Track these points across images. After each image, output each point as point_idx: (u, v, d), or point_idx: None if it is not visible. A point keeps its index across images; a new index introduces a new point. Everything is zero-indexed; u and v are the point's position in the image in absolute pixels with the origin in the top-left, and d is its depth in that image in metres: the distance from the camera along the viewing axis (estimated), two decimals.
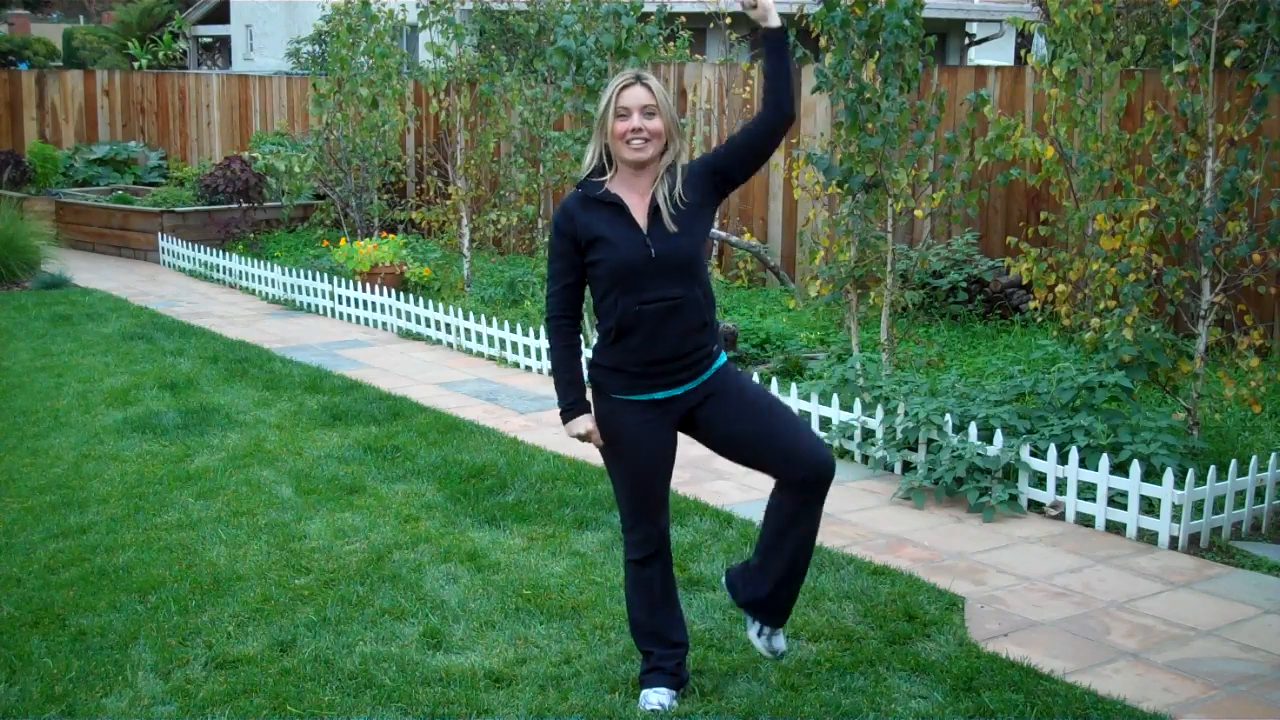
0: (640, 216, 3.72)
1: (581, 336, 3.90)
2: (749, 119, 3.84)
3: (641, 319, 3.68)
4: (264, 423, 6.99)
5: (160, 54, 24.97)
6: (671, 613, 3.95)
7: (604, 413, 3.81)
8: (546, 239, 3.90)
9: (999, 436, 5.89)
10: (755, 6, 3.76)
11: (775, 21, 3.77)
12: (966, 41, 26.22)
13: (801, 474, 3.74)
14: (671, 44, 13.47)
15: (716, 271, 10.75)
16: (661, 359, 3.71)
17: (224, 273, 12.01)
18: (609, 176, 3.76)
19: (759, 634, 4.01)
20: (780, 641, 4.04)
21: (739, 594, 4.02)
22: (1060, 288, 6.66)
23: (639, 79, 3.70)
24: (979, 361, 7.87)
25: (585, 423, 3.84)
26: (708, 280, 3.82)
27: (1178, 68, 5.91)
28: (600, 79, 8.26)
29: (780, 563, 3.87)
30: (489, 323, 8.99)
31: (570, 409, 3.85)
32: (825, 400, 6.72)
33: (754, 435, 3.78)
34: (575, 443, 6.45)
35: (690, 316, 3.72)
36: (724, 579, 4.13)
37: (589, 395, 3.86)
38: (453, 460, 6.31)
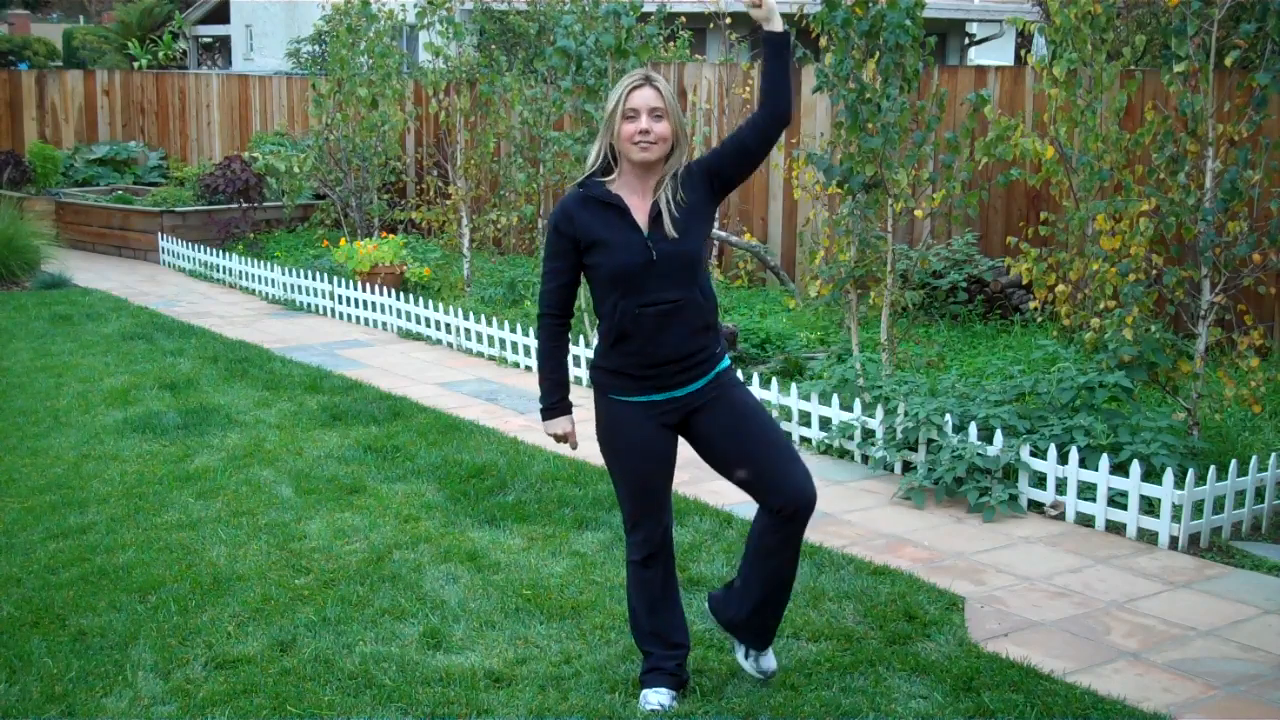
0: (641, 218, 3.70)
1: (569, 336, 3.91)
2: (746, 120, 3.83)
3: (642, 321, 3.67)
4: (264, 423, 6.99)
5: (160, 54, 24.97)
6: (673, 614, 3.94)
7: (605, 413, 3.81)
8: (543, 253, 3.90)
9: (999, 436, 5.89)
10: (760, 6, 3.72)
11: (778, 25, 3.74)
12: (966, 41, 26.22)
13: (779, 503, 3.72)
14: (671, 44, 13.47)
15: (716, 271, 10.75)
16: (663, 361, 3.71)
17: (224, 273, 12.01)
18: (613, 177, 3.75)
19: (745, 655, 4.00)
20: (769, 661, 4.01)
21: (720, 615, 4.00)
22: (1060, 288, 6.66)
23: (648, 80, 3.68)
24: (979, 361, 7.87)
25: (564, 424, 3.89)
26: (708, 282, 3.80)
27: (1178, 68, 5.91)
28: (600, 79, 8.25)
29: (761, 586, 3.85)
30: (489, 323, 8.99)
31: (552, 409, 3.89)
32: (825, 400, 6.72)
33: (742, 454, 3.76)
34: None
35: (692, 318, 3.71)
36: (707, 603, 4.11)
37: (592, 395, 3.87)
38: (453, 460, 6.31)
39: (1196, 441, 5.94)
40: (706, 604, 4.12)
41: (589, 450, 6.44)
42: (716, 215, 3.93)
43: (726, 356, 3.86)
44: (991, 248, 9.31)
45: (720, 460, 3.84)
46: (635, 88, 3.67)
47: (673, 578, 3.95)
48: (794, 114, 4.03)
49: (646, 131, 3.64)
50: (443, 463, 6.27)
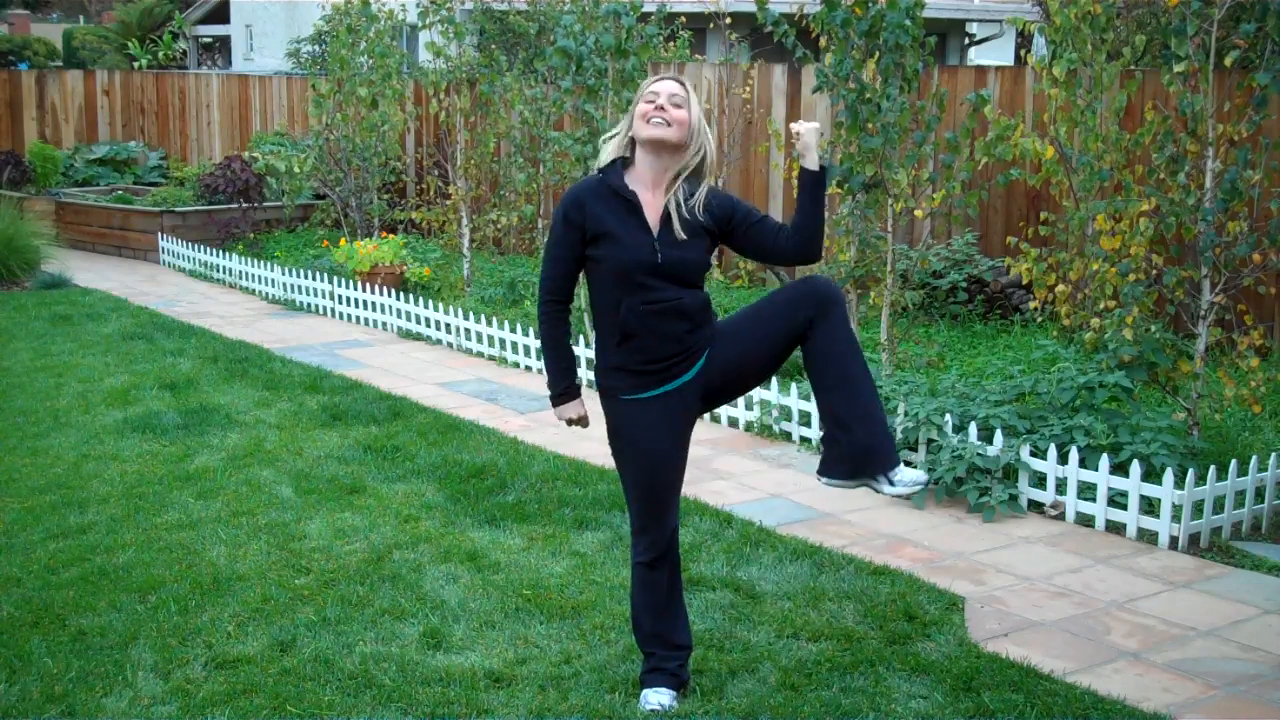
0: (652, 218, 3.73)
1: (570, 322, 3.92)
2: (786, 221, 3.85)
3: (645, 320, 3.69)
4: (264, 423, 6.99)
5: (160, 54, 24.98)
6: (677, 615, 3.94)
7: (615, 417, 3.81)
8: (547, 238, 3.91)
9: (999, 436, 5.89)
10: (798, 138, 3.78)
11: (813, 165, 3.78)
12: (966, 41, 26.22)
13: (810, 312, 3.70)
14: (671, 44, 13.48)
15: (716, 271, 10.75)
16: (664, 356, 3.73)
17: (224, 273, 12.01)
18: (629, 171, 3.79)
19: (890, 484, 3.73)
20: (914, 473, 3.74)
21: (835, 468, 3.75)
22: (1060, 288, 6.66)
23: (675, 78, 3.80)
24: (979, 361, 7.88)
25: (576, 408, 3.90)
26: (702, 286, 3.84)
27: (1178, 68, 5.91)
28: (600, 79, 8.26)
29: (847, 403, 3.69)
30: (489, 323, 8.99)
31: (562, 394, 3.90)
32: None
33: (758, 340, 3.76)
34: (575, 442, 6.49)
35: (693, 314, 3.74)
36: (819, 479, 3.82)
37: (599, 400, 3.86)
38: (453, 460, 6.31)
39: (1196, 441, 5.94)
40: (820, 479, 3.82)
41: (589, 450, 6.47)
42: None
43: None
44: (991, 248, 9.31)
45: (756, 366, 3.81)
46: (660, 79, 3.79)
47: (678, 580, 3.95)
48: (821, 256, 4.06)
49: (663, 109, 3.70)
50: (443, 463, 6.27)
